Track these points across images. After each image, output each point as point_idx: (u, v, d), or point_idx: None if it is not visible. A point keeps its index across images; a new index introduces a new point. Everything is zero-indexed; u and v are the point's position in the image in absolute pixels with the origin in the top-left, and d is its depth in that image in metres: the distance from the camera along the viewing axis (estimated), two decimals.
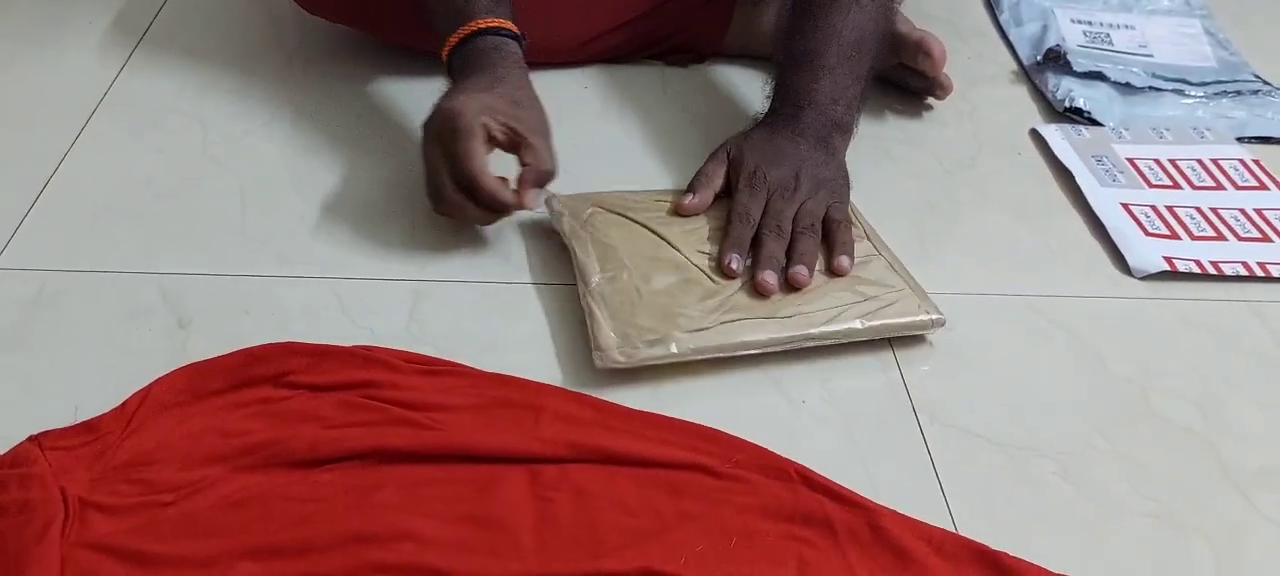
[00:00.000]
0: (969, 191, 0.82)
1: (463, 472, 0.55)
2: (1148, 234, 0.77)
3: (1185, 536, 0.57)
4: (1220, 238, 0.78)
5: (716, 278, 0.67)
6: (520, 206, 0.68)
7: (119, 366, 0.61)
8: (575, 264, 0.67)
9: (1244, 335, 0.70)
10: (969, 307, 0.70)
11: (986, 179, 0.83)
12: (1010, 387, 0.65)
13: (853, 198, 0.74)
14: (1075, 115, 0.90)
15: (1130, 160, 0.84)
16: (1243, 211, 0.80)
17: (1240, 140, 0.89)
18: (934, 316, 0.66)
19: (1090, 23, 1.01)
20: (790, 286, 0.66)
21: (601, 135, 0.84)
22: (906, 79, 0.89)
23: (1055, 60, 0.94)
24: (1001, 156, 0.86)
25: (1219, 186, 0.83)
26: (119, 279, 0.68)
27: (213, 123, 0.82)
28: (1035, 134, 0.88)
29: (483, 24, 0.71)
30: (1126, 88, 0.93)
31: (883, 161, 0.83)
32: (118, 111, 0.83)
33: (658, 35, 0.91)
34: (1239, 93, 0.94)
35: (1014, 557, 0.53)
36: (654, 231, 0.70)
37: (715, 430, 0.58)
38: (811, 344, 0.64)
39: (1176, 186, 0.82)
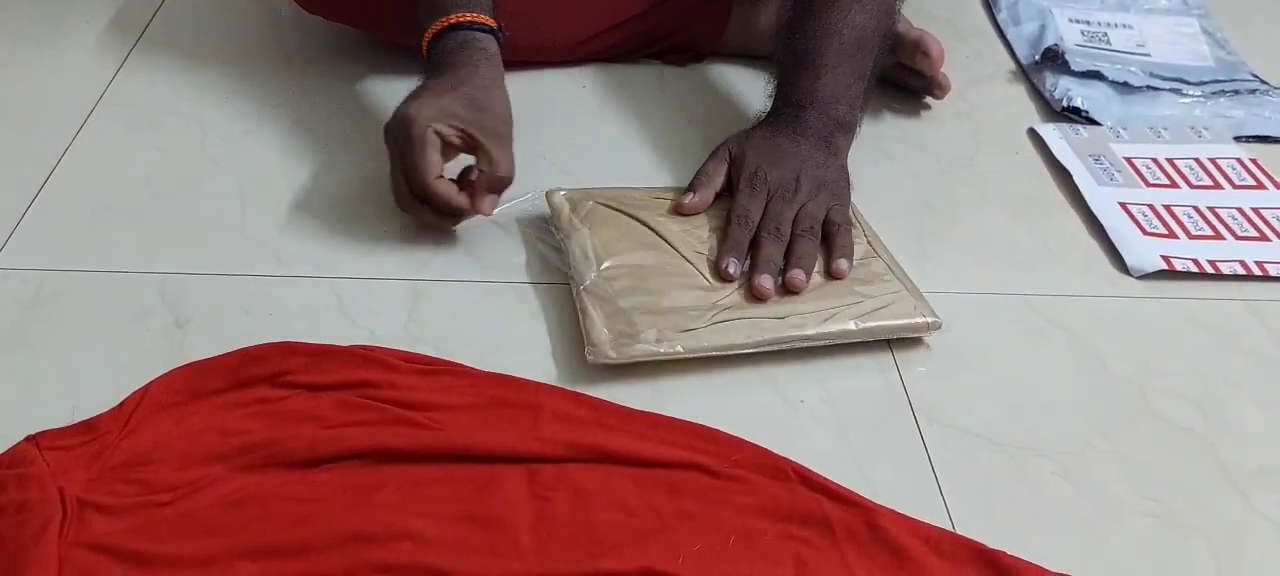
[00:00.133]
0: (967, 190, 0.82)
1: (461, 472, 0.55)
2: (1145, 233, 0.77)
3: (1184, 536, 0.57)
4: (1218, 237, 0.78)
5: (713, 279, 0.67)
6: (477, 211, 0.69)
7: (117, 366, 0.60)
8: (571, 259, 0.68)
9: (1242, 334, 0.70)
10: (967, 307, 0.70)
11: (984, 178, 0.83)
12: (1008, 387, 0.65)
13: (851, 198, 0.74)
14: (1073, 114, 0.90)
15: (1128, 159, 0.85)
16: (1240, 210, 0.80)
17: (1238, 139, 0.89)
18: (930, 319, 0.66)
19: (1088, 22, 1.01)
20: (787, 290, 0.66)
21: (599, 134, 0.84)
22: (905, 78, 0.89)
23: (1053, 59, 0.94)
24: (999, 155, 0.86)
25: (1217, 185, 0.83)
26: (117, 279, 0.68)
27: (211, 122, 0.82)
28: (1033, 133, 0.88)
29: (457, 18, 0.71)
30: (1124, 87, 0.93)
31: (881, 160, 0.83)
32: (116, 111, 0.83)
33: (656, 34, 0.91)
34: (1237, 92, 0.94)
35: (1012, 557, 0.53)
36: (652, 229, 0.70)
37: (713, 430, 0.58)
38: (806, 344, 0.64)
39: (1174, 185, 0.82)
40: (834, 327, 0.65)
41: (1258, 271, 0.75)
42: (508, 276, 0.70)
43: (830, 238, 0.69)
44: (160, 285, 0.67)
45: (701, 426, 0.59)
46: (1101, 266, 0.75)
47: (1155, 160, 0.85)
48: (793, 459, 0.57)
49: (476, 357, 0.62)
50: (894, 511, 0.55)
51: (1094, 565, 0.54)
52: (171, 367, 0.59)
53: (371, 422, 0.57)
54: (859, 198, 0.75)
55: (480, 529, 0.52)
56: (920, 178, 0.83)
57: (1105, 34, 1.00)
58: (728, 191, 0.73)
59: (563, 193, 0.72)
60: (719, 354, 0.63)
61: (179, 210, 0.74)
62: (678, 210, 0.72)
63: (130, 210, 0.74)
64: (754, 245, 0.68)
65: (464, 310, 0.67)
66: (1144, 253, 0.75)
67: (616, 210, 0.71)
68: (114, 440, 0.55)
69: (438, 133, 0.67)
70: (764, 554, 0.52)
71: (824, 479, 0.56)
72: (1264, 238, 0.78)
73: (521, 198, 0.73)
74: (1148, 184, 0.82)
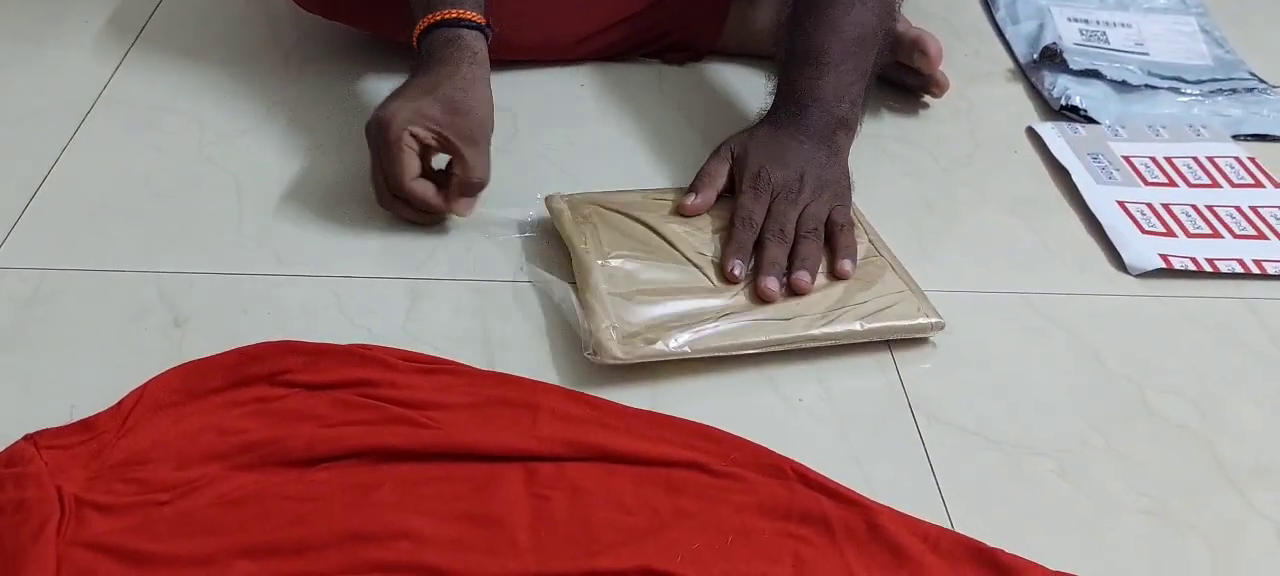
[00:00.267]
0: (966, 189, 0.82)
1: (460, 471, 0.55)
2: (1144, 231, 0.77)
3: (1181, 534, 0.57)
4: (1216, 235, 0.78)
5: (717, 281, 0.67)
6: (452, 212, 0.70)
7: (115, 365, 0.60)
8: (575, 261, 0.67)
9: (1240, 332, 0.71)
10: (966, 306, 0.70)
11: (983, 177, 0.83)
12: (1007, 385, 0.65)
13: (852, 197, 0.74)
14: (1071, 113, 0.90)
15: (1126, 158, 0.85)
16: (1238, 209, 0.80)
17: (1236, 138, 0.89)
18: (934, 320, 0.66)
19: (1087, 21, 1.01)
20: (792, 292, 0.66)
21: (598, 133, 0.84)
22: (903, 77, 0.89)
23: (1051, 58, 0.94)
24: (998, 154, 0.86)
25: (1215, 184, 0.83)
26: (115, 278, 0.68)
27: (209, 121, 0.82)
28: (1032, 132, 0.88)
29: (444, 15, 0.72)
30: (1123, 85, 0.93)
31: (880, 159, 0.83)
32: (114, 110, 0.83)
33: (654, 33, 0.91)
34: (1235, 90, 0.94)
35: (1011, 554, 0.53)
36: (655, 230, 0.70)
37: (712, 428, 0.58)
38: (811, 345, 0.64)
39: (1172, 184, 0.82)
40: (839, 328, 0.65)
41: (1256, 270, 0.75)
42: (506, 276, 0.70)
43: (833, 238, 0.69)
44: (158, 284, 0.67)
45: (700, 425, 0.59)
46: (1100, 265, 0.75)
47: (1153, 159, 0.85)
48: (792, 457, 0.57)
49: (475, 357, 0.62)
50: (893, 510, 0.55)
51: (1092, 562, 0.54)
52: (170, 367, 0.59)
53: (370, 421, 0.57)
54: (858, 196, 0.75)
55: (478, 527, 0.52)
56: (919, 177, 0.83)
57: (1104, 33, 1.00)
58: (730, 191, 0.73)
59: (562, 197, 0.72)
60: (725, 354, 0.63)
61: (177, 209, 0.74)
62: (680, 211, 0.71)
63: (128, 209, 0.74)
64: (758, 246, 0.68)
65: (463, 309, 0.67)
66: (1142, 251, 0.75)
67: (618, 213, 0.71)
68: (112, 439, 0.55)
69: (414, 135, 0.68)
70: (763, 552, 0.52)
71: (823, 477, 0.56)
72: (1262, 236, 0.78)
73: (508, 210, 0.73)
74: (1146, 182, 0.82)
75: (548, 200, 0.72)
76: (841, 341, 0.65)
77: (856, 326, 0.65)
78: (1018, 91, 0.94)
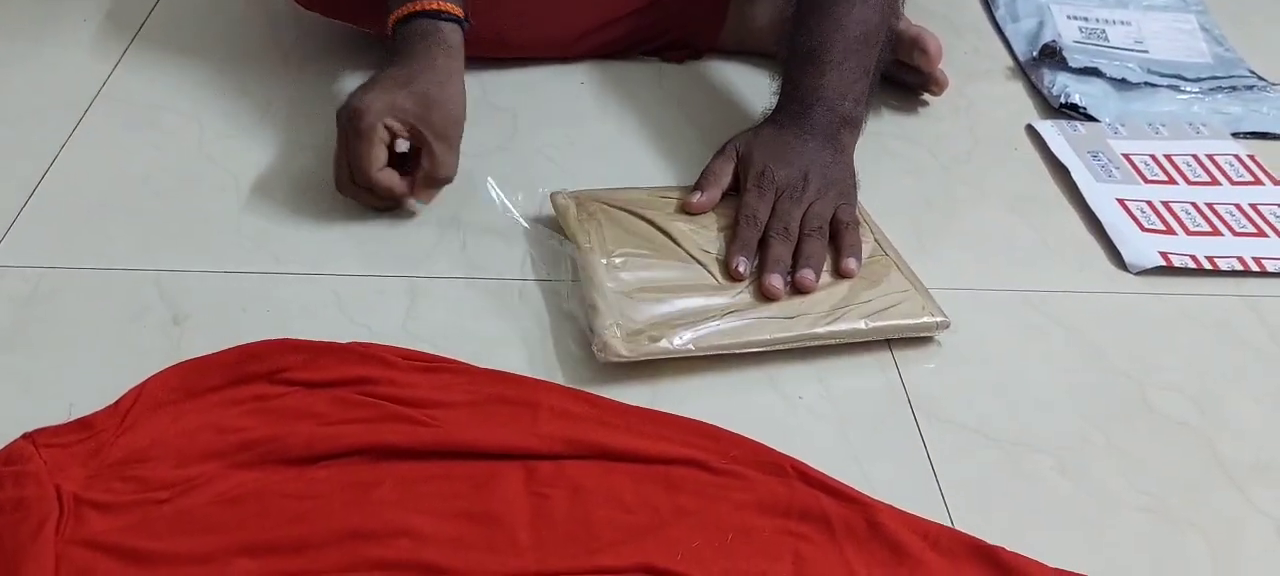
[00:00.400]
0: (965, 187, 0.82)
1: (459, 469, 0.55)
2: (1143, 229, 0.77)
3: (1181, 531, 0.57)
4: (1216, 232, 0.78)
5: (721, 278, 0.67)
6: (416, 199, 0.71)
7: (114, 363, 0.60)
8: (579, 259, 0.67)
9: (1240, 330, 0.71)
10: (965, 303, 0.70)
11: (983, 175, 0.83)
12: (1007, 383, 0.65)
13: (857, 196, 0.74)
14: (1071, 111, 0.90)
15: (1126, 156, 0.85)
16: (1238, 206, 0.80)
17: (1235, 136, 0.89)
18: (939, 318, 0.66)
19: (1086, 19, 1.01)
20: (797, 290, 0.66)
21: (598, 131, 0.84)
22: (902, 75, 0.89)
23: (1051, 56, 0.94)
24: (998, 152, 0.86)
25: (1214, 182, 0.83)
26: (114, 276, 0.68)
27: (209, 120, 0.82)
28: (1031, 130, 0.88)
29: (423, 6, 0.71)
30: (1122, 83, 0.93)
31: (880, 157, 0.83)
32: (113, 108, 0.83)
33: (654, 30, 0.91)
34: (1234, 88, 0.94)
35: (1011, 552, 0.53)
36: (660, 228, 0.70)
37: (712, 426, 0.58)
38: (816, 343, 0.64)
39: (1172, 182, 0.82)
40: (844, 327, 0.65)
41: (1255, 267, 0.75)
42: (506, 274, 0.70)
43: (838, 236, 0.69)
44: (157, 282, 0.67)
45: (700, 423, 0.59)
46: (1099, 262, 0.75)
47: (1153, 156, 0.85)
48: (791, 455, 0.57)
49: (475, 355, 0.62)
50: (893, 507, 0.55)
51: (1092, 560, 0.54)
52: (169, 365, 0.59)
53: (370, 420, 0.57)
54: (859, 194, 0.74)
55: (478, 525, 0.52)
56: (919, 174, 0.82)
57: (1103, 30, 1.00)
58: (734, 190, 0.72)
59: (568, 194, 0.72)
60: (729, 353, 0.63)
61: (176, 208, 0.74)
62: (685, 209, 0.71)
63: (127, 207, 0.74)
64: (763, 245, 0.68)
65: (462, 308, 0.67)
66: (1142, 248, 0.75)
67: (623, 210, 0.71)
68: (111, 437, 0.55)
69: (387, 127, 0.68)
70: (762, 550, 0.52)
71: (822, 475, 0.56)
72: (1261, 234, 0.78)
73: (509, 208, 0.73)
74: (1146, 180, 0.82)
75: (553, 197, 0.72)
76: (846, 340, 0.65)
77: (861, 325, 0.65)
78: (1017, 89, 0.94)
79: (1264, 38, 1.03)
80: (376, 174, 0.69)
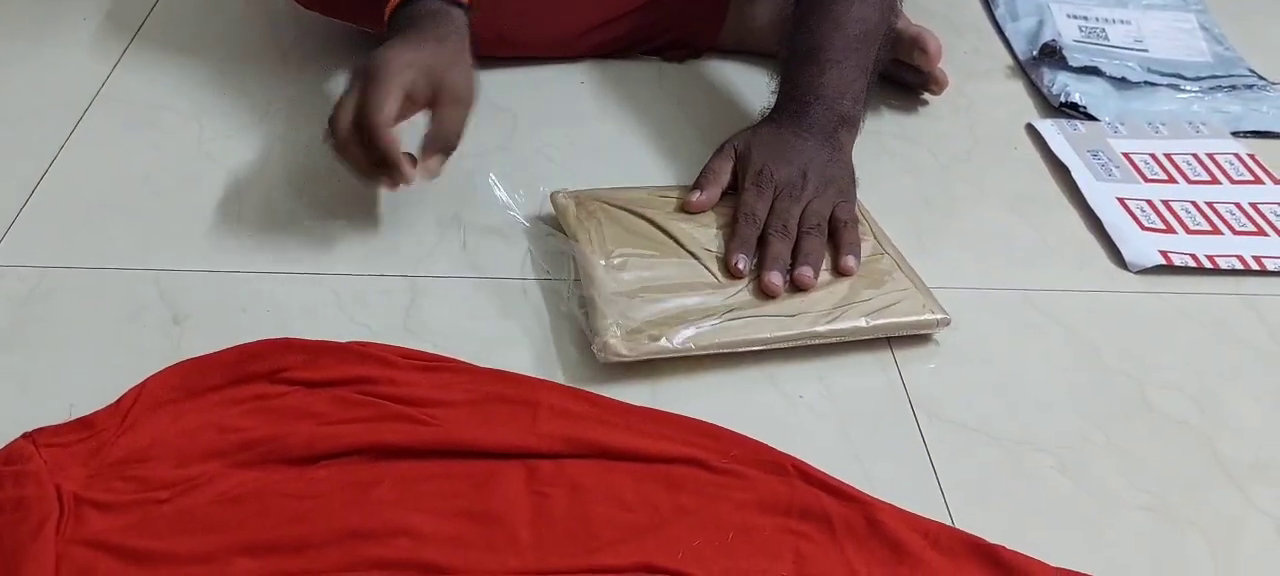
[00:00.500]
0: (965, 186, 0.82)
1: (459, 468, 0.55)
2: (1143, 228, 0.77)
3: (1181, 530, 0.57)
4: (1215, 232, 0.78)
5: (721, 276, 0.67)
6: (410, 168, 0.66)
7: (114, 363, 0.60)
8: (579, 258, 0.67)
9: (1239, 329, 0.71)
10: (966, 302, 0.70)
11: (983, 174, 0.83)
12: (1007, 382, 0.65)
13: (857, 194, 0.74)
14: (1071, 110, 0.90)
15: (1126, 155, 0.85)
16: (1238, 205, 0.80)
17: (1235, 135, 0.89)
18: (939, 316, 0.66)
19: (1086, 18, 1.01)
20: (796, 287, 0.66)
21: (598, 131, 0.84)
22: (902, 74, 0.89)
23: (1051, 55, 0.94)
24: (997, 151, 0.86)
25: (1214, 181, 0.83)
26: (114, 275, 0.68)
27: (208, 119, 0.82)
28: (1031, 129, 0.88)
29: None
30: (1122, 82, 0.93)
31: (879, 157, 0.83)
32: (112, 107, 0.83)
33: (654, 29, 0.91)
34: (1234, 87, 0.94)
35: (1011, 551, 0.53)
36: (659, 227, 0.70)
37: (712, 425, 0.58)
38: (816, 342, 0.64)
39: (1172, 181, 0.82)
40: (845, 325, 0.65)
41: (1255, 266, 0.75)
42: (506, 273, 0.70)
43: (837, 234, 0.69)
44: (157, 282, 0.67)
45: (700, 422, 0.59)
46: (1100, 261, 0.75)
47: (1153, 155, 0.85)
48: (792, 454, 0.57)
49: (475, 354, 0.62)
50: (893, 506, 0.55)
51: (1092, 559, 0.55)
52: (169, 364, 0.59)
53: (370, 419, 0.57)
54: (858, 193, 0.74)
55: (478, 524, 0.52)
56: (918, 173, 0.83)
57: (1103, 29, 1.00)
58: (733, 188, 0.72)
59: (568, 193, 0.72)
60: (730, 351, 0.63)
61: (176, 207, 0.74)
62: (684, 208, 0.71)
63: (127, 207, 0.73)
64: (762, 242, 0.68)
65: (462, 307, 0.67)
66: (1142, 247, 0.75)
67: (623, 209, 0.71)
68: (111, 437, 0.55)
69: (408, 81, 0.66)
70: (763, 548, 0.52)
71: (823, 474, 0.56)
72: (1261, 232, 0.78)
73: (509, 207, 0.73)
74: (1146, 179, 0.82)
75: (553, 196, 0.72)
76: (847, 338, 0.65)
77: (862, 323, 0.65)
78: (1017, 88, 0.94)
79: (1264, 36, 1.03)
80: (385, 126, 0.64)
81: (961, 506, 0.57)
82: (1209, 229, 0.78)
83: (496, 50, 0.87)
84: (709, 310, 0.64)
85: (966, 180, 0.82)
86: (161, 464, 0.54)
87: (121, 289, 0.66)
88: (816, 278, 0.66)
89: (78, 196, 0.74)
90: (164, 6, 0.95)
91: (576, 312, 0.65)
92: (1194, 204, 0.80)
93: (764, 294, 0.65)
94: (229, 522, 0.51)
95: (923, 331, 0.66)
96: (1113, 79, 0.93)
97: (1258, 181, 0.83)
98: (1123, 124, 0.88)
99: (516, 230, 0.73)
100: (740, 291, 0.66)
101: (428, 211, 0.74)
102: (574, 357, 0.64)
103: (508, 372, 0.61)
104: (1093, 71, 0.93)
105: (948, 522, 0.56)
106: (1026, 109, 0.91)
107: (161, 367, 0.59)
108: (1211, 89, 0.94)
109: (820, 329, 0.64)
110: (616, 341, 0.61)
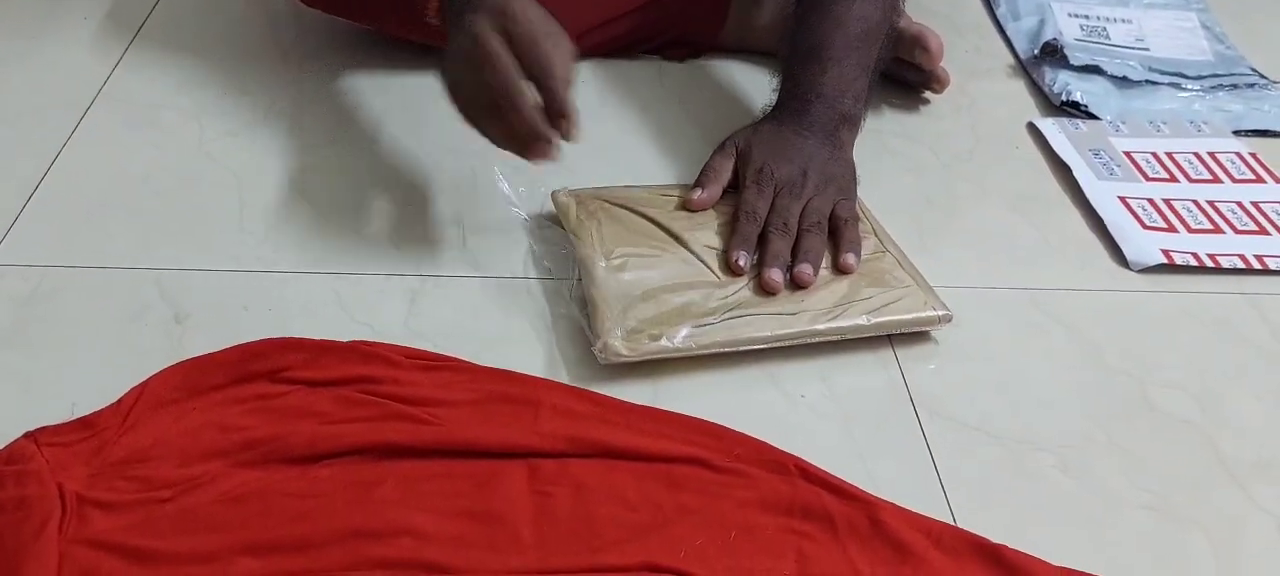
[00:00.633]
0: (967, 185, 0.82)
1: (461, 468, 0.55)
2: (1145, 227, 0.77)
3: (1183, 529, 0.57)
4: (1217, 231, 0.78)
5: (722, 274, 0.67)
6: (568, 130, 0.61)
7: (116, 362, 0.60)
8: (579, 257, 0.67)
9: (1241, 328, 0.71)
10: (967, 301, 0.70)
11: (984, 172, 0.83)
12: (1009, 381, 0.65)
13: (858, 192, 0.74)
14: (1072, 109, 0.90)
15: (1127, 154, 0.85)
16: (1240, 204, 0.80)
17: (1237, 133, 0.89)
18: (941, 312, 0.66)
19: (1087, 17, 1.01)
20: (796, 284, 0.66)
21: (598, 130, 0.84)
22: (903, 72, 0.89)
23: (1052, 54, 0.94)
24: (999, 150, 0.86)
25: (1216, 179, 0.83)
26: (116, 274, 0.68)
27: (209, 118, 0.82)
28: (1032, 128, 0.88)
29: None
30: (1123, 81, 0.93)
31: (881, 155, 0.83)
32: (113, 107, 0.83)
33: (655, 28, 0.91)
34: (1235, 86, 0.94)
35: (1014, 551, 0.53)
36: (660, 225, 0.70)
37: (714, 424, 0.58)
38: (817, 340, 0.64)
39: (1173, 180, 0.82)
40: (846, 323, 0.65)
41: (1257, 265, 0.75)
42: (508, 272, 0.70)
43: (837, 232, 0.69)
44: (159, 281, 0.67)
45: (702, 421, 0.59)
46: (1101, 260, 0.75)
47: (1154, 154, 0.85)
48: (794, 453, 0.57)
49: (477, 353, 0.62)
50: (896, 505, 0.55)
51: (1094, 558, 0.54)
52: (170, 364, 0.59)
53: (372, 418, 0.57)
54: (860, 191, 0.74)
55: (480, 524, 0.52)
56: (920, 172, 0.82)
57: (1104, 28, 1.00)
58: (735, 186, 0.72)
59: (569, 192, 0.72)
60: (731, 350, 0.63)
61: (177, 206, 0.74)
62: (685, 206, 0.71)
63: (128, 206, 0.73)
64: (762, 240, 0.68)
65: (464, 306, 0.67)
66: (1144, 246, 0.75)
67: (623, 208, 0.71)
68: (113, 436, 0.55)
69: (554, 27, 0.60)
70: (765, 548, 0.52)
71: (825, 473, 0.56)
72: (1263, 232, 0.78)
73: (510, 206, 0.73)
74: (1147, 178, 0.82)
75: (554, 195, 0.72)
76: (848, 336, 0.65)
77: (863, 320, 0.65)
78: (1018, 87, 0.94)
79: (1265, 35, 1.03)
80: (518, 81, 0.59)
81: (964, 505, 0.57)
82: (1211, 228, 0.78)
83: None
84: (709, 308, 0.64)
85: (968, 179, 0.82)
86: (163, 463, 0.54)
87: (123, 288, 0.66)
88: (816, 275, 0.66)
89: (79, 196, 0.74)
90: (165, 6, 0.95)
91: (577, 313, 0.65)
92: (1195, 203, 0.80)
93: (764, 291, 0.65)
94: (231, 522, 0.51)
95: (924, 327, 0.66)
96: (1114, 78, 0.92)
97: (1259, 180, 0.83)
98: (1124, 123, 0.88)
99: (518, 228, 0.73)
100: (741, 289, 0.66)
101: (429, 210, 0.74)
102: (576, 357, 0.64)
103: (510, 372, 0.61)
104: (1094, 70, 0.93)
105: (950, 522, 0.56)
106: (1028, 108, 0.91)
107: (163, 367, 0.59)
108: (1213, 88, 0.94)
109: (821, 327, 0.64)
110: (617, 342, 0.61)
